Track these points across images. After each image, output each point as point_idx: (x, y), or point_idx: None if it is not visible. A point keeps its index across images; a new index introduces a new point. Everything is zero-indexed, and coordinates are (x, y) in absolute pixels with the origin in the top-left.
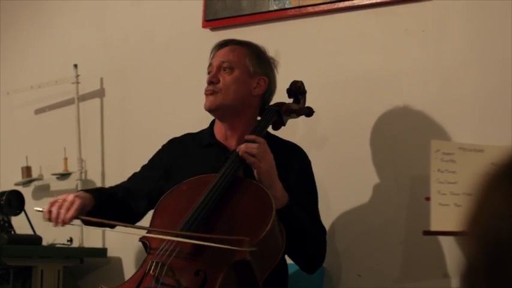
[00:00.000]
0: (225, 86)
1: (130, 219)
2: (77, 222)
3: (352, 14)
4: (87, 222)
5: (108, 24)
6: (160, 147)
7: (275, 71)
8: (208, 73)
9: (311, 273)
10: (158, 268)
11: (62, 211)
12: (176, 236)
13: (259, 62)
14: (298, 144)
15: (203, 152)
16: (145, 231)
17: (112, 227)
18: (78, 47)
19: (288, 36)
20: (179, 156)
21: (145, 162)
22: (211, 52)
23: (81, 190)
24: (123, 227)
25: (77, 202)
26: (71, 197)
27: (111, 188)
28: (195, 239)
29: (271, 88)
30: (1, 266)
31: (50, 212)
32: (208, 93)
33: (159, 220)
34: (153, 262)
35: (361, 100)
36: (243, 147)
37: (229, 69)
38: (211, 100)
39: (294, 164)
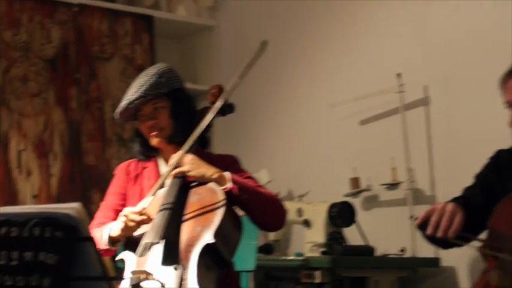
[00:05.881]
0: None
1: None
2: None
3: None
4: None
5: (429, 31)
6: (489, 156)
7: None
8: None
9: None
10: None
11: (444, 222)
12: None
13: None
14: None
15: None
16: None
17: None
18: (400, 56)
19: None
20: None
21: (475, 170)
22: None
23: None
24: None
25: (459, 215)
26: (450, 207)
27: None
28: None
29: None
30: (336, 276)
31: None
32: None
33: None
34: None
35: None
36: None
37: None
38: None
39: None
